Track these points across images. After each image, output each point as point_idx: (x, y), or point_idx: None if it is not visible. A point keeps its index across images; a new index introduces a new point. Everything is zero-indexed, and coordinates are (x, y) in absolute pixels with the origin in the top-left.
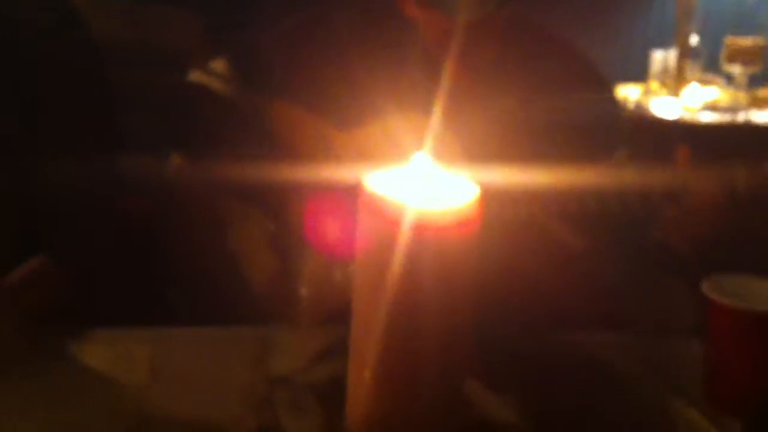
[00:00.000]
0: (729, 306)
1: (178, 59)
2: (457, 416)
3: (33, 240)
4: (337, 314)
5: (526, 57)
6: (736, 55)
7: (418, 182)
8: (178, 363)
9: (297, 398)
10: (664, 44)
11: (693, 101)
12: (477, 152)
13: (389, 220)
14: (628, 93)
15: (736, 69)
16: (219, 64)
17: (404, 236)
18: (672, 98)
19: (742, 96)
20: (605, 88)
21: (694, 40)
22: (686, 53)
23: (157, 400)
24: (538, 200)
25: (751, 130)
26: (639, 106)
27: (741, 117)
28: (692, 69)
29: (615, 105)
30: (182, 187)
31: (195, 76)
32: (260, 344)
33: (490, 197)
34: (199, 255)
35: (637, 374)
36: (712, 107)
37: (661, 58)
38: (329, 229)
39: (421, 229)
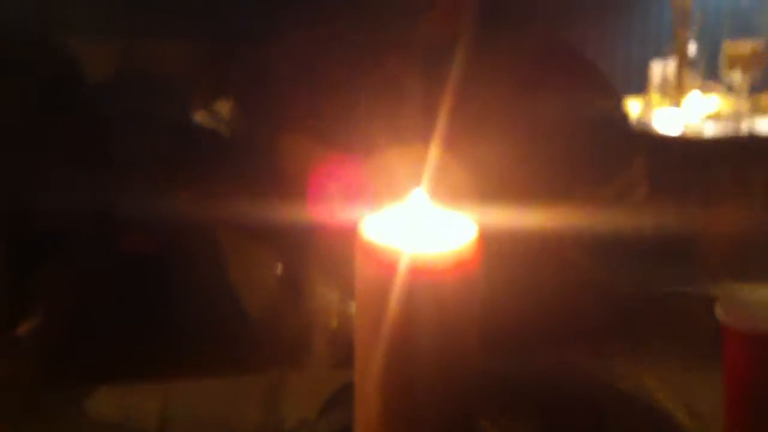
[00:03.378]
0: (740, 330)
1: (180, 92)
2: None
3: (31, 279)
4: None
5: (534, 70)
6: (735, 61)
7: (415, 223)
8: (188, 416)
9: None
10: (662, 55)
11: (695, 111)
12: (486, 177)
13: (385, 265)
14: (630, 107)
15: (736, 75)
16: (223, 106)
17: (400, 281)
18: (674, 109)
19: (743, 103)
20: (616, 98)
21: (692, 48)
22: (685, 62)
23: None
24: (552, 225)
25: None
26: (641, 120)
27: (744, 126)
28: (692, 78)
29: (626, 115)
30: (186, 223)
31: (200, 117)
32: (270, 392)
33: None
34: (202, 294)
35: (655, 400)
36: (715, 116)
37: (660, 68)
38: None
39: (417, 273)
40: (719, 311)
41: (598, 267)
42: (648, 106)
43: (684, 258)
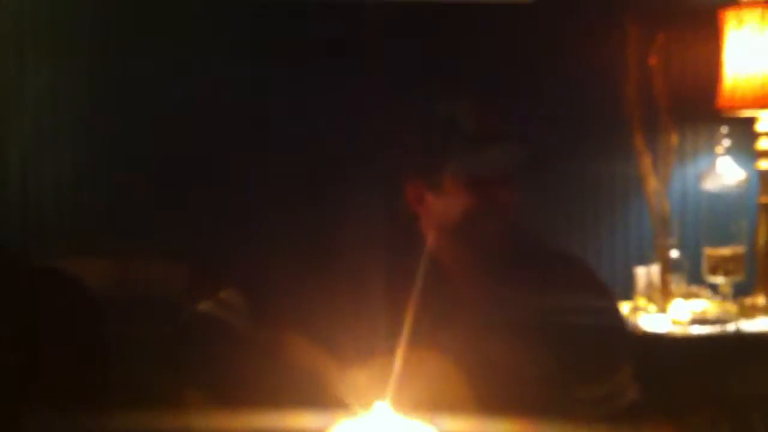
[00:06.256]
0: None
1: (172, 309)
2: None
3: None
4: None
5: (528, 272)
6: (717, 266)
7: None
8: None
9: None
10: (645, 260)
11: (681, 315)
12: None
13: None
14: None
15: (719, 279)
16: (228, 294)
17: None
18: (660, 314)
19: (729, 306)
20: (610, 300)
21: (674, 253)
22: (668, 268)
23: None
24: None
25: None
26: (629, 322)
27: (731, 328)
28: (677, 282)
29: (620, 318)
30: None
31: (205, 306)
32: None
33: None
34: None
35: None
36: (702, 319)
37: (644, 273)
38: None
39: None
40: None
41: None
42: (634, 311)
43: None
